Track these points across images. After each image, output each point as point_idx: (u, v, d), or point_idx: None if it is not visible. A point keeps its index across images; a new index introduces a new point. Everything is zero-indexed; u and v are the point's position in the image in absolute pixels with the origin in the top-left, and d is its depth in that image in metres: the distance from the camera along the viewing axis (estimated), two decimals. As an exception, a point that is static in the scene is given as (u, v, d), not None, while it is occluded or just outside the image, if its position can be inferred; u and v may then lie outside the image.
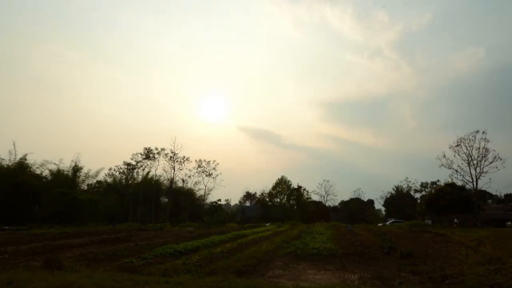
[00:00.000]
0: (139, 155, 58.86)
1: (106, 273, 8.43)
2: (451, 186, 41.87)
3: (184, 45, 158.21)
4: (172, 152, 59.83)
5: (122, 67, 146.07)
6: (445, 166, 43.66)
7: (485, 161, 41.00)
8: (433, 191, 47.79)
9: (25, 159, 40.29)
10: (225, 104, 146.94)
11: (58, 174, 45.84)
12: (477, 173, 41.54)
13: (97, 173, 52.37)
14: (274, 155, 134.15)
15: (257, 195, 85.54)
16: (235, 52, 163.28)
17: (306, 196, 78.03)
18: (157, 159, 59.39)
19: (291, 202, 76.61)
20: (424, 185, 75.64)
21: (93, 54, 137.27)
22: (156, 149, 59.47)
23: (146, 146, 59.36)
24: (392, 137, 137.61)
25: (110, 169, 60.39)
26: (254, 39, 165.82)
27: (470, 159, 41.92)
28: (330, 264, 11.54)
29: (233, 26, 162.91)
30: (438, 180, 66.36)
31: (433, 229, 30.64)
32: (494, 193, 70.89)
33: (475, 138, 41.50)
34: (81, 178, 49.54)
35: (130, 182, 61.26)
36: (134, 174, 61.07)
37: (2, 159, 39.71)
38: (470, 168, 41.98)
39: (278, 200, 75.12)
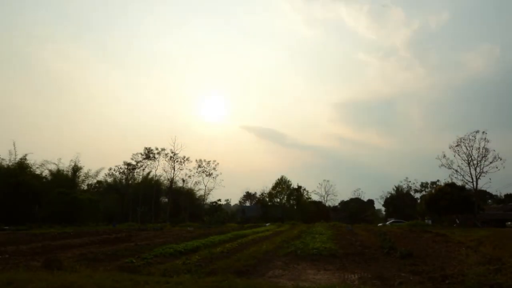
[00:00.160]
0: (139, 155, 59.00)
1: (106, 273, 8.43)
2: (451, 186, 41.91)
3: (185, 45, 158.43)
4: (172, 152, 59.98)
5: (122, 67, 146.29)
6: (445, 166, 43.78)
7: (485, 161, 41.13)
8: (433, 191, 47.82)
9: (25, 159, 40.39)
10: (226, 104, 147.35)
11: (58, 174, 45.85)
12: (477, 173, 41.63)
13: (97, 173, 52.48)
14: (277, 154, 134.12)
15: (257, 195, 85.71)
16: (236, 51, 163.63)
17: (306, 196, 78.16)
18: (157, 159, 59.55)
19: (291, 202, 76.65)
20: (424, 185, 75.75)
21: (93, 54, 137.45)
22: (156, 149, 59.63)
23: (146, 146, 59.55)
24: (400, 137, 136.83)
25: (110, 169, 60.57)
26: (258, 37, 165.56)
27: (470, 159, 42.01)
28: (330, 264, 11.54)
29: (235, 25, 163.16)
30: (438, 180, 66.50)
31: (433, 229, 30.64)
32: (494, 193, 71.12)
33: (475, 138, 41.65)
34: (81, 178, 49.62)
35: (130, 182, 61.29)
36: (134, 174, 61.21)
37: (2, 159, 39.81)
38: (470, 168, 42.08)
39: (278, 200, 75.17)
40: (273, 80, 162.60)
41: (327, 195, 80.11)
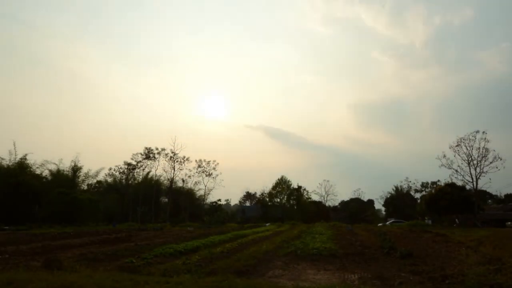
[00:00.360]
0: (139, 155, 58.98)
1: (106, 273, 8.43)
2: (451, 186, 41.91)
3: (188, 45, 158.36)
4: (172, 152, 59.97)
5: (122, 66, 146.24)
6: (445, 166, 43.78)
7: (485, 161, 41.16)
8: (433, 191, 47.80)
9: (25, 159, 40.40)
10: (226, 104, 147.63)
11: (58, 174, 45.87)
12: (477, 173, 41.65)
13: (97, 173, 52.50)
14: (280, 154, 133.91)
15: (257, 195, 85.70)
16: (242, 50, 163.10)
17: (306, 196, 78.17)
18: (157, 159, 59.54)
19: (291, 202, 76.65)
20: (424, 185, 75.71)
21: (93, 53, 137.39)
22: (156, 149, 59.62)
23: (146, 146, 59.55)
24: (408, 137, 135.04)
25: (110, 169, 60.52)
26: (269, 36, 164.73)
27: (470, 159, 42.02)
28: (330, 264, 11.54)
29: (238, 23, 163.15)
30: (438, 180, 66.44)
31: (433, 229, 30.64)
32: (494, 193, 71.03)
33: (475, 138, 41.66)
34: (81, 178, 49.67)
35: (130, 182, 61.27)
36: (134, 174, 61.16)
37: (2, 159, 39.81)
38: (470, 168, 42.11)
39: (278, 200, 75.18)
40: (279, 79, 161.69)
41: (327, 195, 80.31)
